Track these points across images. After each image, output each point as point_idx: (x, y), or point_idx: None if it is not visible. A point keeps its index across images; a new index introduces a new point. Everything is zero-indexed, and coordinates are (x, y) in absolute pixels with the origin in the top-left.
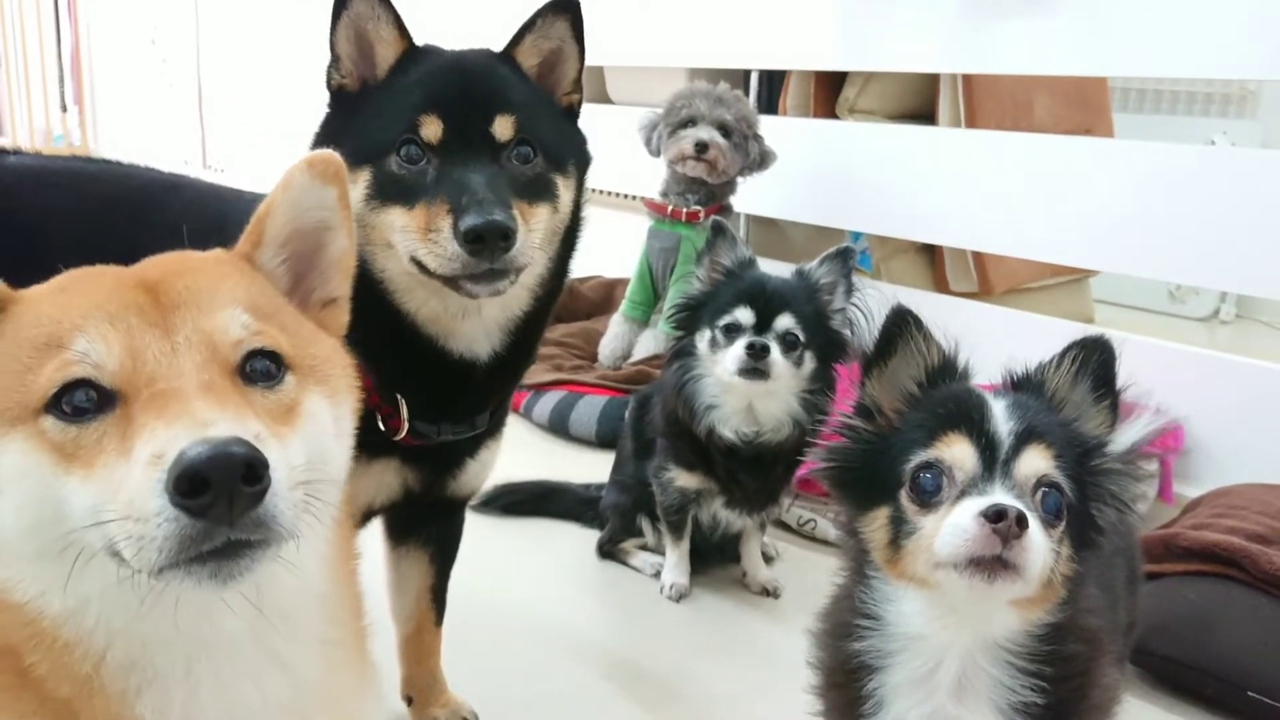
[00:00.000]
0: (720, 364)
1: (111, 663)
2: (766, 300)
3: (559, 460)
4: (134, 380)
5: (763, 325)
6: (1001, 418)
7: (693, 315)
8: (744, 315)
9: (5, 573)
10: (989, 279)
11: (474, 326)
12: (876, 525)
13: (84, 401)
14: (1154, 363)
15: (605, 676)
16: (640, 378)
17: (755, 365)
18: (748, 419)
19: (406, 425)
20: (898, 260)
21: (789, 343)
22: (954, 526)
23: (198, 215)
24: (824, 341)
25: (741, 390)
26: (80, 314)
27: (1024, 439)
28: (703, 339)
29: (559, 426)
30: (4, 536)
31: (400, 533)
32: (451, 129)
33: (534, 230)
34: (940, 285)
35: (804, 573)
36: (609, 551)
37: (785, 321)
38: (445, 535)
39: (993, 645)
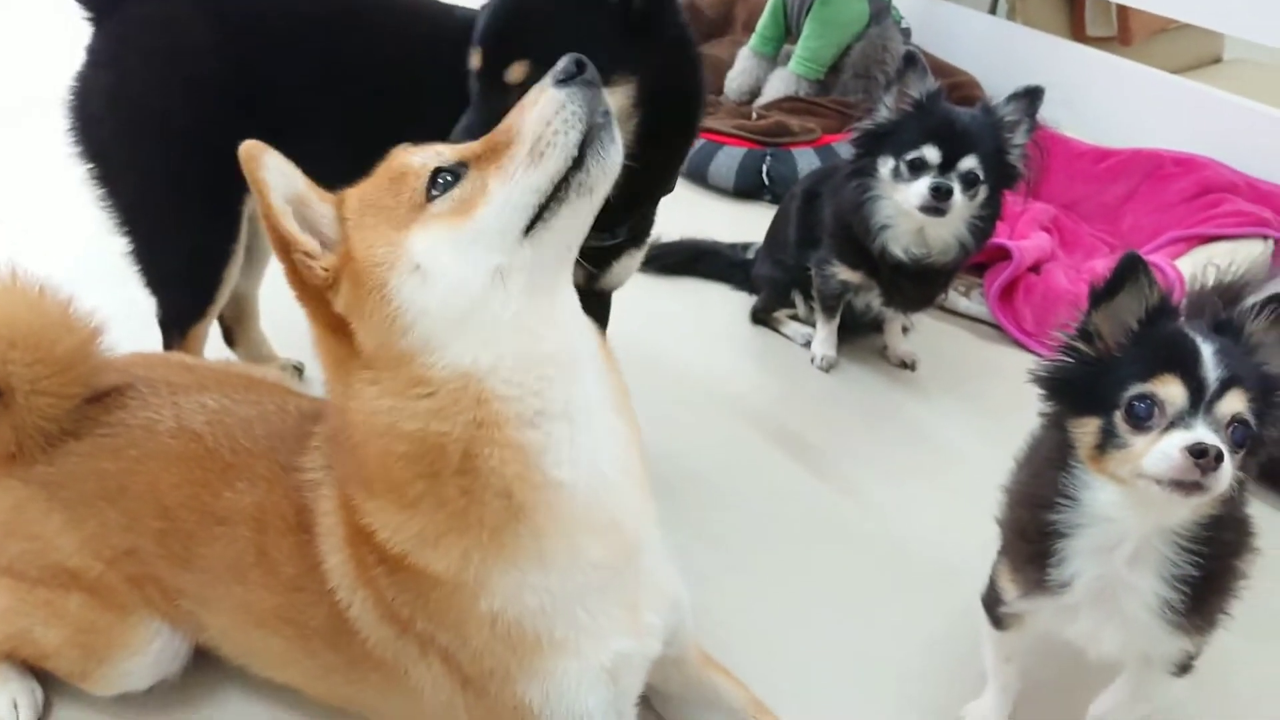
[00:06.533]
0: (901, 193)
1: (527, 418)
2: (954, 141)
3: (699, 210)
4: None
5: (947, 164)
6: (1210, 363)
7: (877, 140)
8: (931, 154)
9: (452, 351)
10: (1129, 26)
11: None
12: (1087, 430)
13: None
14: (1267, 131)
15: (758, 432)
16: (778, 130)
17: (937, 205)
18: (918, 241)
19: None
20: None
21: (969, 181)
22: (1162, 454)
23: (407, 31)
24: (999, 175)
25: (917, 218)
26: None
27: (1227, 384)
28: (885, 165)
29: (697, 175)
30: (440, 313)
31: None
32: (483, 67)
33: None
34: (1077, 30)
35: (937, 345)
36: (762, 319)
37: (969, 162)
38: (600, 307)
39: (1166, 530)
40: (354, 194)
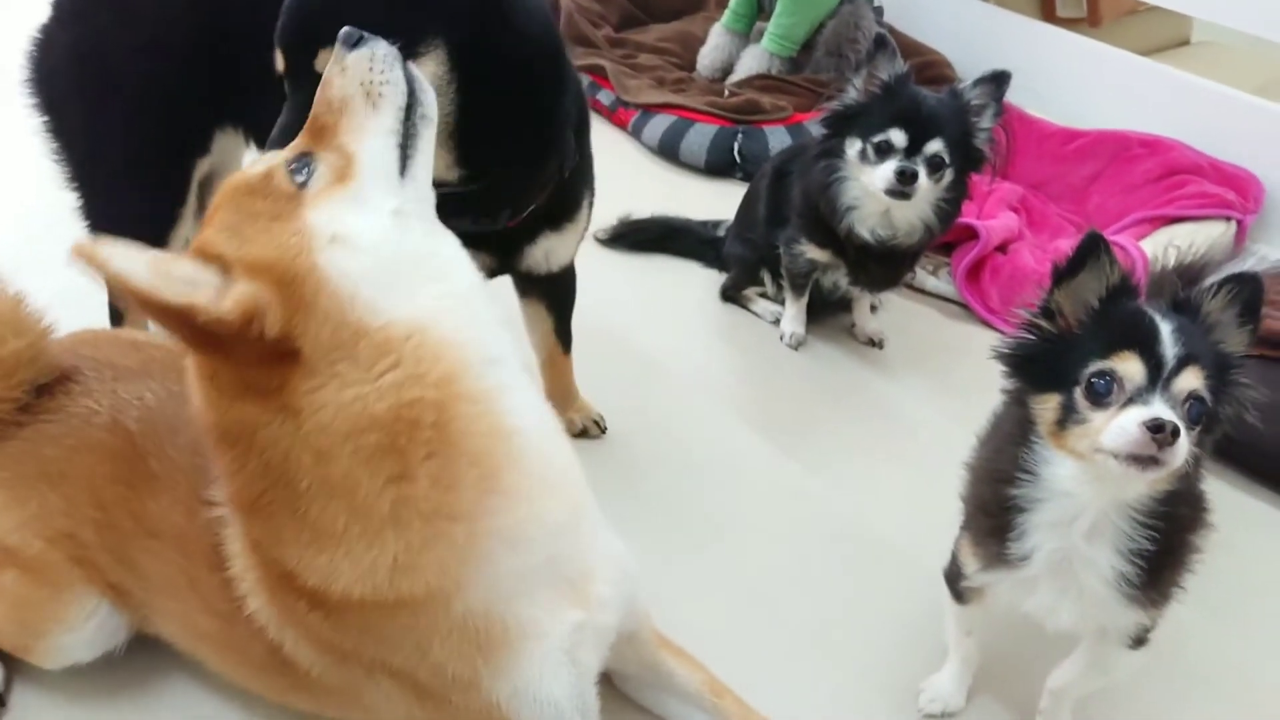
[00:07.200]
0: (868, 175)
1: (478, 365)
2: (920, 124)
3: (671, 188)
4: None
5: (913, 147)
6: (1168, 341)
7: (845, 121)
8: (897, 137)
9: (399, 306)
10: (1099, 8)
11: None
12: (1048, 406)
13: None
14: (1232, 113)
15: (726, 408)
16: (750, 108)
17: (901, 188)
18: (884, 223)
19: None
20: None
21: (935, 164)
22: (1121, 429)
23: None
24: (965, 158)
25: (883, 200)
26: None
27: (1184, 362)
28: (853, 147)
29: (669, 152)
30: (375, 269)
31: (521, 290)
32: (288, 66)
33: None
34: (1047, 11)
35: (905, 324)
36: (732, 296)
37: (935, 146)
38: (554, 292)
39: (1123, 504)
40: (210, 231)
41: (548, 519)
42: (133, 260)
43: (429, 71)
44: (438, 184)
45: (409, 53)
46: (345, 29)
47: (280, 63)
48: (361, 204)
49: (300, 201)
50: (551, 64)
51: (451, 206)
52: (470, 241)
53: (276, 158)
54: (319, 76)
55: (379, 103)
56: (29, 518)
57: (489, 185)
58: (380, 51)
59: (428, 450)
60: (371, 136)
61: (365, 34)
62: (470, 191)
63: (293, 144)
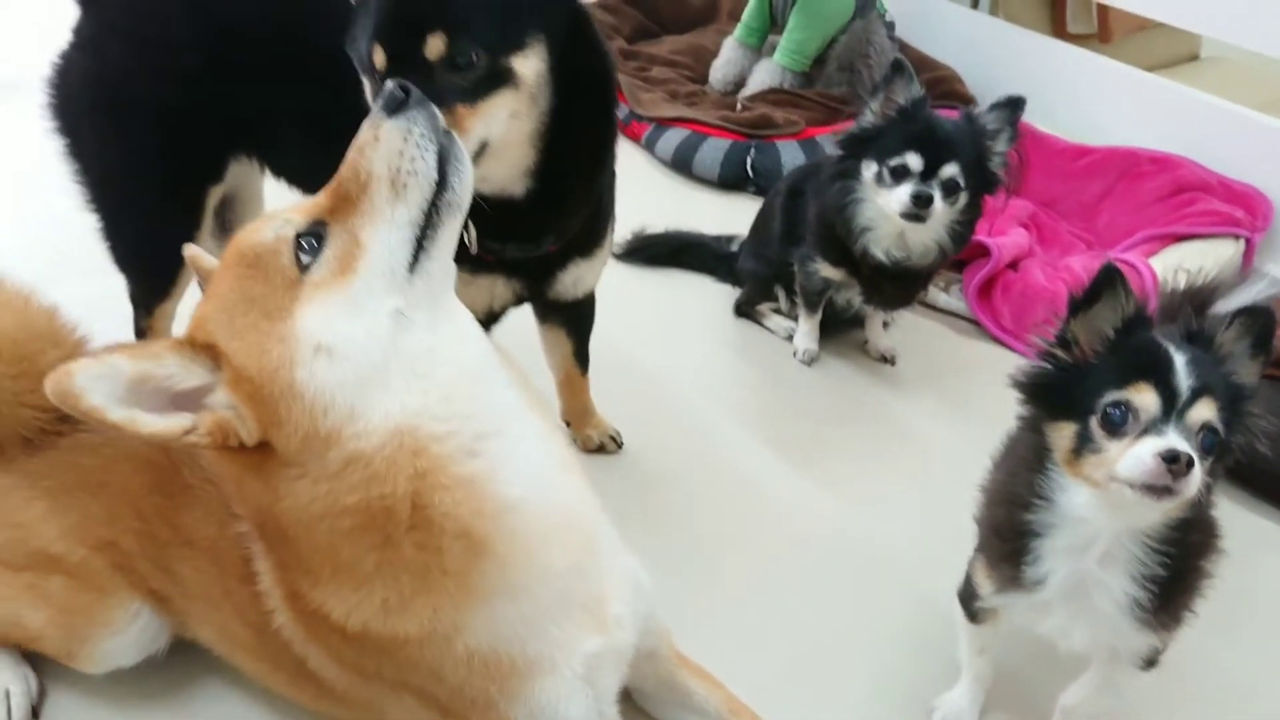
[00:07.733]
0: (883, 198)
1: (467, 448)
2: (936, 148)
3: (684, 202)
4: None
5: (929, 171)
6: (1183, 373)
7: (861, 143)
8: (914, 161)
9: (379, 409)
10: (1109, 24)
11: (495, 174)
12: (1064, 435)
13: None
14: (1241, 130)
15: (739, 423)
16: (763, 122)
17: (917, 212)
18: (899, 244)
19: (477, 244)
20: None
21: (949, 188)
22: (1136, 459)
23: None
24: (980, 181)
25: (898, 223)
26: None
27: (1198, 393)
28: (869, 169)
29: (682, 166)
30: (357, 378)
31: (541, 316)
32: (392, 56)
33: (487, 123)
34: (1058, 27)
35: (917, 340)
36: (745, 312)
37: (950, 170)
38: (574, 317)
39: (1137, 531)
40: (210, 306)
41: (550, 569)
42: (110, 383)
43: (531, 67)
44: (499, 200)
45: (516, 42)
46: (390, 89)
47: (380, 58)
48: (358, 307)
49: (296, 295)
50: (611, 83)
51: (498, 232)
52: (506, 270)
53: (291, 226)
54: (429, 64)
55: (403, 192)
56: (71, 526)
57: (544, 203)
58: (418, 129)
59: (409, 525)
60: (387, 230)
61: (411, 97)
62: (522, 210)
63: (311, 205)
